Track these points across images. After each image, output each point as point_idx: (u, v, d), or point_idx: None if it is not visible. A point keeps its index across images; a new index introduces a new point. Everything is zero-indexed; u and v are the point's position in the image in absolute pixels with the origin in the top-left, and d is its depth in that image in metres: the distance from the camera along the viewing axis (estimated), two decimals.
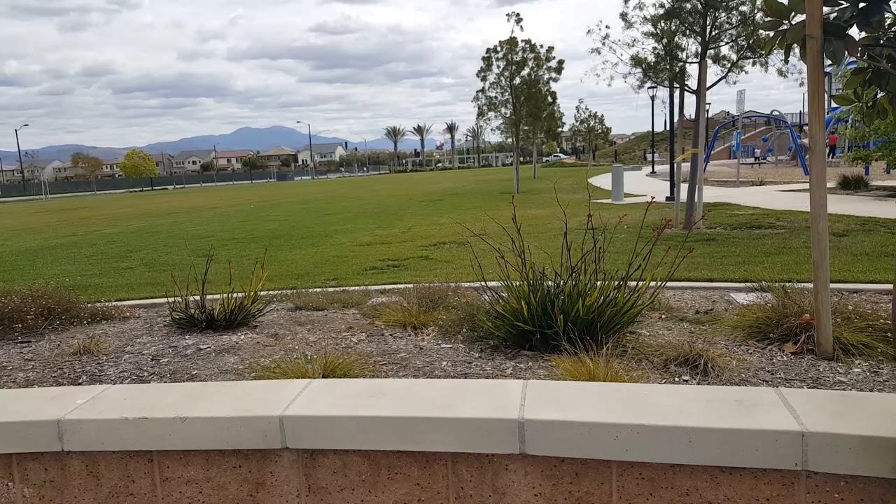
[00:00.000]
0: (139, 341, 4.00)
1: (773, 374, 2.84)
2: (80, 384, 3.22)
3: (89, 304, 4.77)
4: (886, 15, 2.89)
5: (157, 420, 2.33)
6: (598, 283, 3.39)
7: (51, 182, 79.15)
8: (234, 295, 4.24)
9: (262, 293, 4.64)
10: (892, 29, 2.95)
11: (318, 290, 5.41)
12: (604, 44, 10.19)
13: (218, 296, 4.31)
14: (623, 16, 9.77)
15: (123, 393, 2.66)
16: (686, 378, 2.82)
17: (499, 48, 23.15)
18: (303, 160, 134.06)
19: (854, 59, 3.16)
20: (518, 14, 22.46)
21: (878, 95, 3.24)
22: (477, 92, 23.99)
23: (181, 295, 4.29)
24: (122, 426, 2.34)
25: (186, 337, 4.03)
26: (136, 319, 4.67)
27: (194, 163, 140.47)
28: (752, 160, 33.45)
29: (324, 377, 2.89)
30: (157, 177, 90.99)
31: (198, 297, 4.24)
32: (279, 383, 2.70)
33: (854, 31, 2.93)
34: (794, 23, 3.00)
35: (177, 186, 74.91)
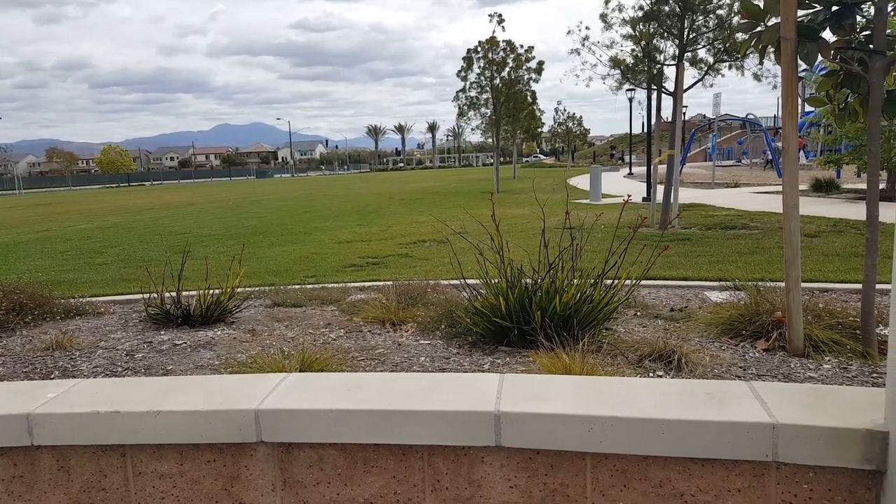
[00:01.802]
0: (113, 337, 3.94)
1: (745, 369, 2.89)
2: (51, 379, 3.16)
3: (63, 300, 4.69)
4: (858, 19, 2.96)
5: (130, 414, 2.30)
6: (575, 280, 3.42)
7: (24, 177, 77.59)
8: (211, 291, 4.20)
9: (240, 290, 4.61)
10: (863, 33, 3.02)
11: (297, 286, 5.38)
12: (583, 45, 10.28)
13: (194, 292, 4.26)
14: (603, 17, 9.85)
15: (96, 387, 2.62)
16: (660, 373, 2.86)
17: (479, 48, 23.23)
18: (282, 157, 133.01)
19: (825, 64, 3.23)
20: (500, 15, 22.62)
21: (850, 98, 3.32)
22: (458, 92, 24.08)
23: (157, 291, 4.24)
24: (94, 420, 2.31)
25: (162, 333, 3.99)
26: (111, 315, 4.60)
27: (172, 159, 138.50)
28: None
29: (301, 372, 2.88)
30: (133, 173, 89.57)
31: (174, 293, 4.19)
32: (255, 377, 2.68)
33: (827, 34, 2.99)
34: (769, 25, 3.06)
35: (154, 183, 73.88)
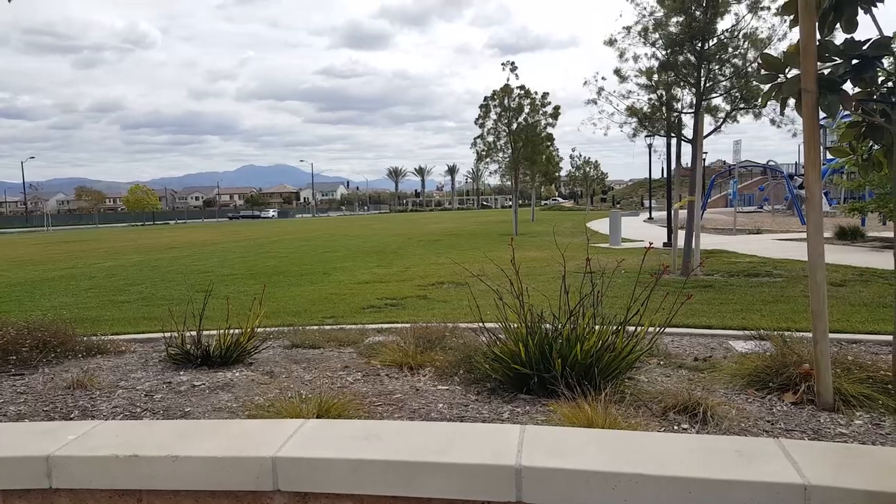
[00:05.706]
0: (133, 376, 3.96)
1: (773, 424, 2.81)
2: (71, 419, 3.17)
3: (85, 338, 4.74)
4: (878, 72, 2.97)
5: (149, 458, 2.29)
6: (597, 327, 3.38)
7: (53, 214, 79.54)
8: (231, 331, 4.22)
9: (259, 330, 4.62)
10: (885, 85, 3.02)
11: (315, 327, 5.38)
12: (599, 95, 10.35)
13: (215, 331, 4.29)
14: (617, 72, 9.97)
15: (115, 429, 2.62)
16: (685, 426, 2.79)
17: (496, 96, 23.66)
18: (304, 198, 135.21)
19: (848, 112, 3.23)
20: (513, 63, 23.12)
21: (873, 148, 3.30)
22: (475, 138, 24.43)
23: (177, 330, 4.27)
24: (113, 464, 2.30)
25: (181, 373, 4.00)
26: (132, 354, 4.63)
27: (197, 198, 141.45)
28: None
29: (318, 418, 2.85)
30: (159, 211, 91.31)
31: (194, 333, 4.22)
32: (273, 423, 2.67)
33: (848, 86, 3.00)
34: (789, 77, 3.07)
35: (178, 221, 75.21)
